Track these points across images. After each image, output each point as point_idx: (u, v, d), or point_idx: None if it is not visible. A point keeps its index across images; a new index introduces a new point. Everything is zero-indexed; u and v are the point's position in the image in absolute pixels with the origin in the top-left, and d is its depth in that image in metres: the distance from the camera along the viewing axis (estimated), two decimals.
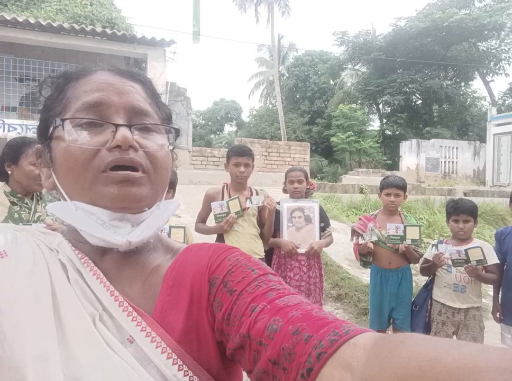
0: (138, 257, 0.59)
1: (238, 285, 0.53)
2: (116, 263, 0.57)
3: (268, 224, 2.96)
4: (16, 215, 2.06)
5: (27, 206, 2.11)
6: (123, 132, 0.53)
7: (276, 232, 3.00)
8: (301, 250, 2.89)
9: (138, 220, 0.56)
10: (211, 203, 2.85)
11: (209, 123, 33.13)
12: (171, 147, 0.61)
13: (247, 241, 2.86)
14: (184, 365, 0.49)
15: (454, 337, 2.76)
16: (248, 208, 2.89)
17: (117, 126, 0.54)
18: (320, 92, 24.77)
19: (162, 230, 2.37)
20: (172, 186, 2.45)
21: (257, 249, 2.90)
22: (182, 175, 8.30)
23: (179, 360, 0.49)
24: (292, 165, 10.94)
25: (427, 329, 2.84)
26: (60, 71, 0.61)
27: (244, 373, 0.56)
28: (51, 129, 0.56)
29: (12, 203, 2.08)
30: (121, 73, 0.60)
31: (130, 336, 0.49)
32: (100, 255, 0.57)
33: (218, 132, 33.73)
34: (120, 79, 0.59)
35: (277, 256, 2.98)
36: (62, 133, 0.54)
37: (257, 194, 3.02)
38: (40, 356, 0.43)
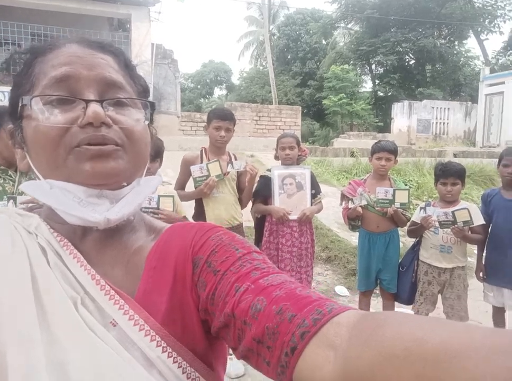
0: (119, 238, 0.58)
1: (222, 265, 0.53)
2: (97, 244, 0.56)
3: (248, 189, 2.95)
4: None
5: (10, 178, 2.07)
6: (94, 107, 0.51)
7: (268, 199, 3.01)
8: (293, 216, 2.91)
9: (117, 197, 0.55)
10: (191, 167, 2.78)
11: (198, 87, 32.34)
12: (147, 122, 0.59)
13: (226, 207, 2.85)
14: (168, 347, 0.50)
15: (439, 295, 2.88)
16: (229, 173, 2.86)
17: (87, 102, 0.51)
18: (312, 53, 24.15)
19: (150, 200, 2.36)
20: (159, 154, 2.41)
21: (236, 215, 2.91)
22: (171, 141, 8.18)
23: (162, 342, 0.49)
24: (283, 129, 10.84)
25: (413, 289, 2.94)
26: (27, 45, 0.58)
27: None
28: (19, 108, 0.54)
29: None
30: (91, 45, 0.57)
31: (113, 319, 0.49)
32: (80, 236, 0.55)
33: (207, 96, 33.01)
34: (89, 51, 0.56)
35: (269, 223, 3.00)
36: (30, 112, 0.52)
37: (235, 159, 2.99)
38: (22, 340, 0.43)
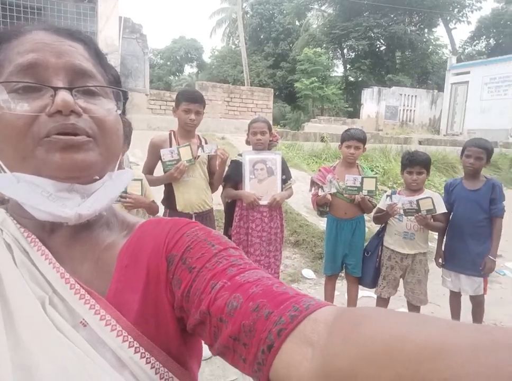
0: (90, 234, 0.56)
1: (197, 262, 0.52)
2: (66, 240, 0.54)
3: (219, 173, 2.93)
4: None
5: None
6: (63, 95, 0.48)
7: (238, 183, 3.00)
8: (263, 202, 2.92)
9: (89, 191, 0.52)
10: (161, 150, 2.71)
11: (168, 63, 31.37)
12: (119, 112, 0.56)
13: (197, 191, 2.82)
14: (140, 347, 0.49)
15: (401, 280, 3.00)
16: (199, 156, 2.82)
17: (56, 89, 0.49)
18: (285, 34, 23.93)
19: None
20: (126, 138, 2.33)
21: (207, 199, 2.89)
22: (139, 120, 7.95)
23: (135, 342, 0.49)
24: (255, 112, 10.77)
25: (376, 273, 3.05)
26: None
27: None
28: None
29: None
30: (59, 32, 0.54)
31: (83, 319, 0.47)
32: (48, 232, 0.53)
33: (177, 73, 32.13)
34: (58, 38, 0.53)
35: (239, 208, 3.00)
36: None
37: (206, 142, 2.94)
38: None
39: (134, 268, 0.54)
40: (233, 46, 27.74)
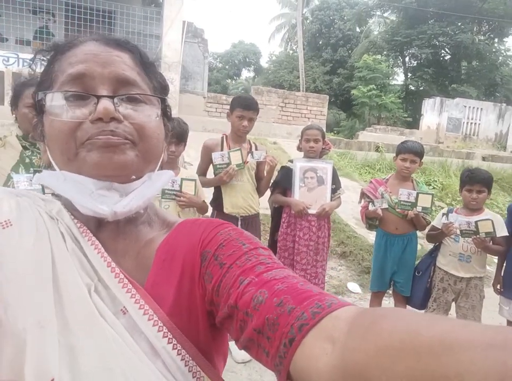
0: (133, 229, 0.60)
1: (228, 258, 0.54)
2: (111, 234, 0.58)
3: (267, 180, 2.95)
4: (27, 160, 2.05)
5: (38, 151, 2.06)
6: (104, 103, 0.52)
7: (287, 190, 3.00)
8: (312, 211, 2.89)
9: (127, 190, 0.56)
10: (212, 154, 2.78)
11: (226, 67, 32.12)
12: (158, 118, 0.59)
13: (244, 195, 2.84)
14: (173, 339, 0.51)
15: (453, 304, 2.83)
16: (248, 162, 2.85)
17: (98, 97, 0.53)
18: (345, 40, 23.58)
19: (173, 182, 2.38)
20: (183, 138, 2.42)
21: (254, 204, 2.90)
22: (195, 122, 8.19)
23: (169, 333, 0.51)
24: (309, 118, 10.71)
25: (426, 295, 2.90)
26: (49, 43, 0.60)
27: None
28: (37, 103, 0.57)
29: (24, 147, 2.06)
30: (108, 43, 0.58)
31: (124, 307, 0.50)
32: (96, 225, 0.57)
33: (235, 77, 32.81)
34: (105, 48, 0.57)
35: (287, 215, 2.99)
36: (48, 107, 0.54)
37: (256, 148, 2.97)
38: (39, 323, 0.45)
39: (171, 262, 0.57)
40: (291, 52, 27.80)
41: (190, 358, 0.52)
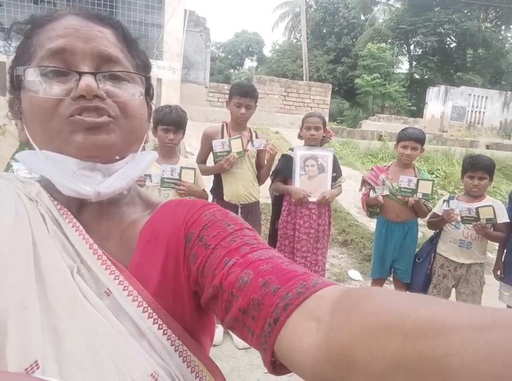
0: (116, 210, 0.59)
1: (213, 239, 0.54)
2: (94, 215, 0.57)
3: (267, 168, 2.94)
4: (26, 148, 2.07)
5: None
6: (86, 80, 0.50)
7: (288, 178, 3.00)
8: (312, 199, 2.89)
9: (110, 171, 0.55)
10: (213, 141, 2.77)
11: (229, 57, 31.87)
12: (141, 97, 0.58)
13: (244, 183, 2.85)
14: (159, 319, 0.51)
15: (453, 290, 2.84)
16: (248, 150, 2.85)
17: (80, 74, 0.51)
18: (349, 28, 23.29)
19: (173, 171, 2.38)
20: (182, 126, 2.42)
21: (254, 192, 2.91)
22: (197, 111, 8.17)
23: (154, 313, 0.51)
24: (311, 107, 10.63)
25: (427, 281, 2.91)
26: (27, 16, 0.57)
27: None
28: (15, 79, 0.54)
29: None
30: (90, 18, 0.56)
31: (108, 289, 0.50)
32: (78, 207, 0.56)
33: (238, 67, 32.55)
34: (87, 23, 0.55)
35: (288, 203, 3.00)
36: (26, 83, 0.52)
37: (256, 136, 2.96)
38: (21, 304, 0.44)
39: (155, 244, 0.57)
40: (294, 40, 27.51)
41: (176, 338, 0.52)
